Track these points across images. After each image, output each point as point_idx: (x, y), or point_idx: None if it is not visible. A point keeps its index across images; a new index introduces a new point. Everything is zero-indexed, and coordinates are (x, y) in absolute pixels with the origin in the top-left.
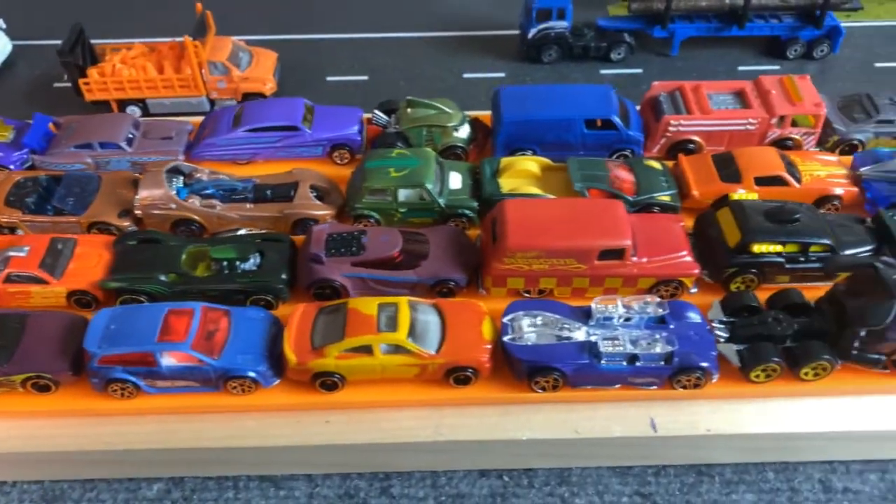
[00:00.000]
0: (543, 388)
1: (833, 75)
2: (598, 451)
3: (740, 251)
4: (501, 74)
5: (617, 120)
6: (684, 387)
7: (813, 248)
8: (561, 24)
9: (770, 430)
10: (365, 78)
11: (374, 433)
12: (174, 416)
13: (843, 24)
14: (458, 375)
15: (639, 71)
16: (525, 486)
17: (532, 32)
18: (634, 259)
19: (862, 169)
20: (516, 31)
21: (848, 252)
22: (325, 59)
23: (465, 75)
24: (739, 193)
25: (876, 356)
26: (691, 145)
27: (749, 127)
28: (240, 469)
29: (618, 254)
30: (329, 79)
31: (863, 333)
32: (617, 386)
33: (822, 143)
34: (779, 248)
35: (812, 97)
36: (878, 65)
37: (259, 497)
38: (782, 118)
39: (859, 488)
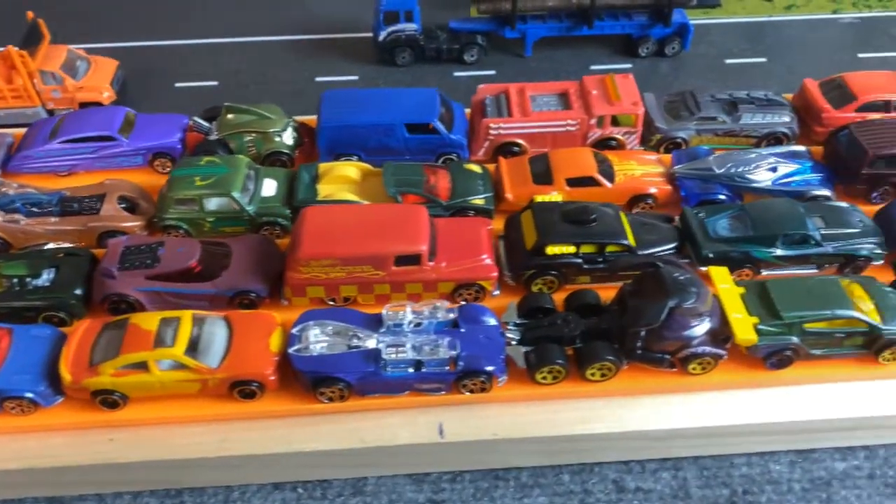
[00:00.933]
0: (330, 399)
1: (685, 72)
2: (390, 459)
3: (536, 253)
4: (354, 77)
5: (438, 124)
6: (471, 391)
7: (610, 249)
8: (410, 27)
9: (557, 433)
10: (215, 83)
11: (159, 450)
12: None
13: (699, 22)
14: (243, 389)
15: (492, 72)
16: (318, 498)
17: (382, 35)
18: (432, 264)
19: (675, 167)
20: (370, 34)
21: (648, 251)
22: (174, 66)
23: (318, 79)
24: (551, 195)
25: (660, 355)
26: (516, 148)
27: (570, 128)
28: (25, 491)
29: (413, 259)
30: (178, 85)
31: (643, 333)
32: (406, 393)
33: (645, 142)
34: (573, 249)
35: (630, 96)
36: (728, 61)
37: None
38: (601, 118)
39: (651, 487)
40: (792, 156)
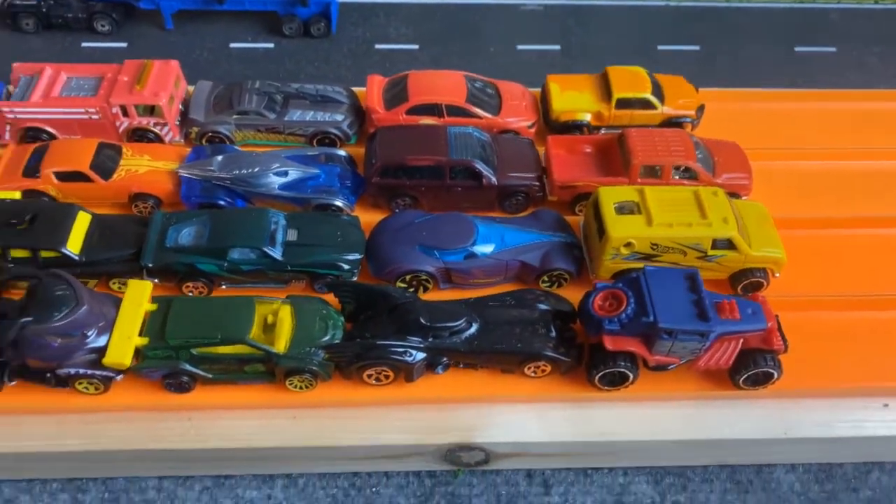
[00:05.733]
0: None
1: (330, 55)
2: None
3: None
4: None
5: None
6: None
7: (45, 254)
8: None
9: None
10: None
11: None
12: None
13: (365, 2)
14: None
15: (124, 45)
16: None
17: None
18: None
19: (179, 167)
20: None
21: (92, 258)
22: None
23: None
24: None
25: (42, 373)
26: (45, 135)
27: (93, 116)
28: None
29: None
30: None
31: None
32: None
33: (187, 136)
34: None
35: (158, 86)
36: (378, 46)
37: None
38: (124, 107)
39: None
40: (326, 160)
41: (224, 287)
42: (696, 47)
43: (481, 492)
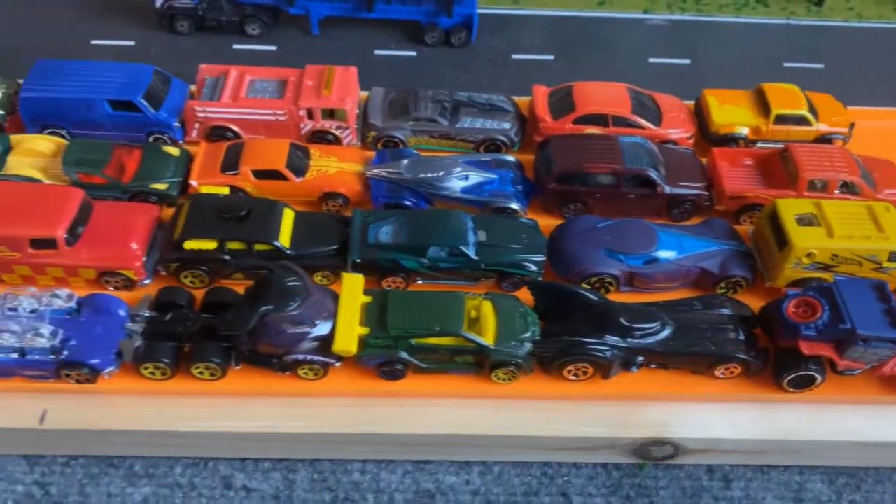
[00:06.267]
0: None
1: (469, 64)
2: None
3: (179, 246)
4: (131, 43)
5: (141, 102)
6: (78, 381)
7: (259, 247)
8: None
9: (163, 429)
10: None
11: None
12: None
13: (500, 12)
14: None
15: (273, 48)
16: None
17: (158, 2)
18: (69, 248)
19: (367, 169)
20: None
21: (303, 252)
22: None
23: (94, 42)
24: (226, 187)
25: (269, 358)
26: (230, 133)
27: (280, 118)
28: None
29: (49, 243)
30: None
31: (243, 336)
32: (13, 377)
33: (364, 139)
34: (213, 244)
35: (344, 91)
36: (515, 56)
37: None
38: (310, 111)
39: (257, 487)
40: (497, 165)
41: (420, 282)
42: (821, 65)
43: (666, 484)
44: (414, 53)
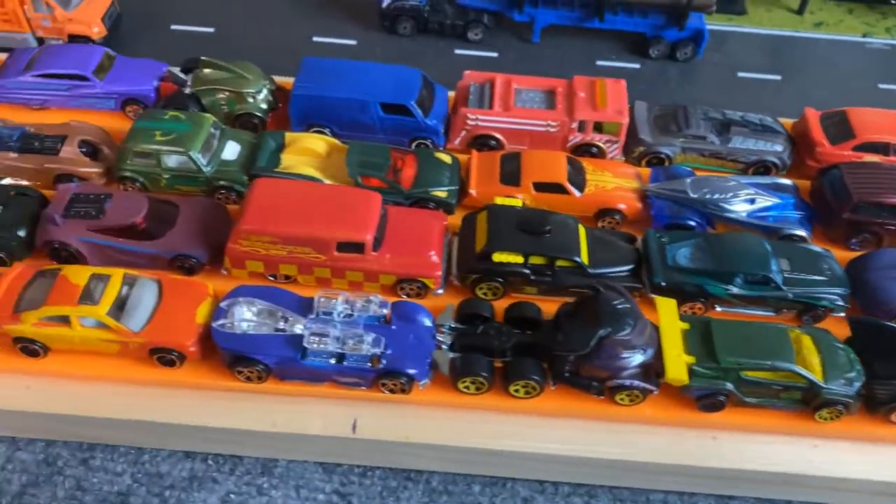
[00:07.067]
0: (248, 378)
1: (693, 80)
2: (301, 446)
3: (483, 258)
4: (352, 42)
5: (414, 107)
6: (391, 390)
7: (560, 263)
8: None
9: (471, 444)
10: (211, 30)
11: (73, 404)
12: None
13: (720, 28)
14: (162, 357)
15: (495, 54)
16: (226, 473)
17: (386, 2)
18: (375, 254)
19: (648, 185)
20: None
21: (600, 271)
22: (172, 6)
23: (315, 39)
24: (515, 198)
25: (588, 381)
26: (493, 142)
27: (550, 129)
28: None
29: (357, 247)
30: (174, 27)
31: (571, 357)
32: (325, 383)
33: (628, 154)
34: (521, 258)
35: (617, 104)
36: (740, 74)
37: None
38: (583, 123)
39: None
40: (775, 188)
41: (718, 310)
42: None
43: None
44: (637, 66)
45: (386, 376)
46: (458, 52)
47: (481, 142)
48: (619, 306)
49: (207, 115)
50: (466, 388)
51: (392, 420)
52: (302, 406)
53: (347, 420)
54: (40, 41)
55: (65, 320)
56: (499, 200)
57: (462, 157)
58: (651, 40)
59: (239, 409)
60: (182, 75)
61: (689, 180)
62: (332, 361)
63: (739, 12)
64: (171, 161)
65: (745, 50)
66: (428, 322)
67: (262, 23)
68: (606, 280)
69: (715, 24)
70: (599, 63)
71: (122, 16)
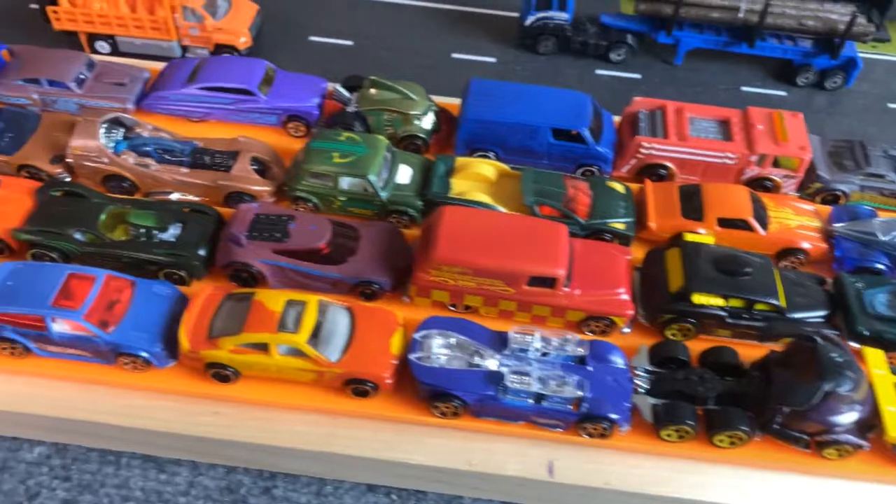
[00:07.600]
0: (443, 414)
1: (841, 109)
2: (491, 486)
3: (680, 298)
4: (492, 59)
5: (587, 134)
6: (590, 434)
7: (758, 307)
8: (561, 16)
9: (673, 495)
10: (350, 43)
11: (262, 433)
12: (63, 383)
13: (864, 56)
14: (357, 388)
15: (637, 76)
16: None
17: (530, 20)
18: (566, 290)
19: (835, 224)
20: (516, 14)
21: (797, 315)
22: (311, 17)
23: (454, 55)
24: (699, 233)
25: (798, 434)
26: (663, 171)
27: (727, 161)
28: (123, 445)
29: (549, 282)
30: (312, 39)
31: (787, 410)
32: (521, 423)
33: (802, 189)
34: (721, 301)
35: (799, 138)
36: (891, 105)
37: (139, 477)
38: (763, 157)
39: None
40: None
41: None
42: None
43: None
44: (783, 93)
45: (587, 420)
46: (598, 72)
47: (650, 170)
48: (839, 359)
49: (382, 137)
50: (669, 435)
51: (589, 464)
52: (496, 445)
53: (542, 461)
54: (184, 50)
55: (262, 347)
56: (689, 237)
57: (633, 187)
58: (799, 68)
59: (432, 445)
60: (345, 92)
61: (876, 221)
62: (531, 402)
63: (884, 39)
64: (347, 183)
65: (892, 79)
66: (622, 363)
67: (400, 38)
68: (797, 326)
69: (860, 51)
70: (744, 89)
71: (261, 25)
